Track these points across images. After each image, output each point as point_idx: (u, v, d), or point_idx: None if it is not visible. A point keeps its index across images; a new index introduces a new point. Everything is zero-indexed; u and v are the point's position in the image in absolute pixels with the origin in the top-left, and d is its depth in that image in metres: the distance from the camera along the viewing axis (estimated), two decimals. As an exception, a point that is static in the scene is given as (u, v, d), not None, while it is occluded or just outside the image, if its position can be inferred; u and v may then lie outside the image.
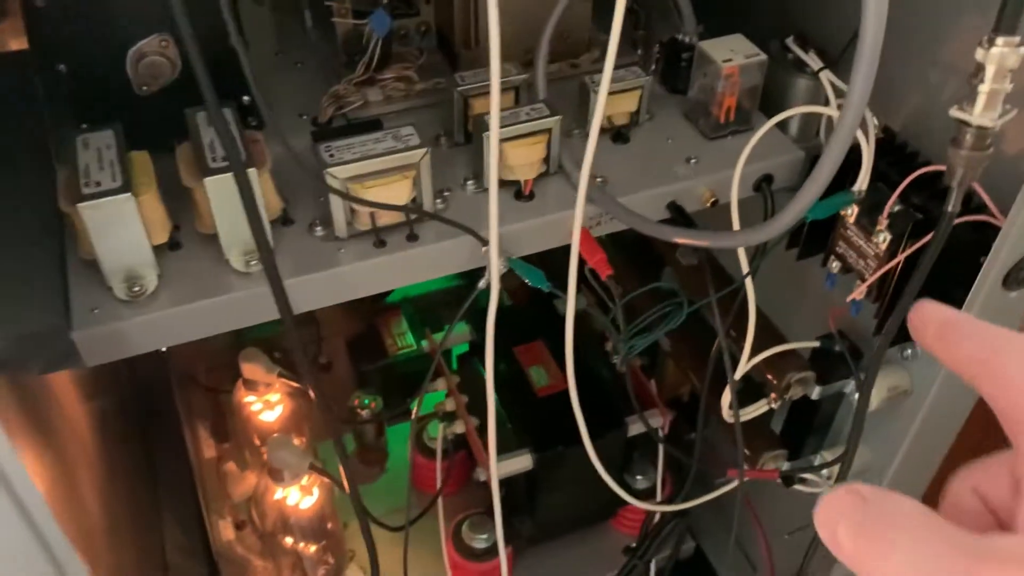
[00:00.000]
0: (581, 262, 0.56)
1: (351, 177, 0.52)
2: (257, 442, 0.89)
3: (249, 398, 0.86)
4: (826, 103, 0.63)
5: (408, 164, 0.54)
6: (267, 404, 0.86)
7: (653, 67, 0.70)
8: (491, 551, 0.90)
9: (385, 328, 1.07)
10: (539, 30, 0.64)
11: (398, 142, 0.54)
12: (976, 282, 0.54)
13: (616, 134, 0.65)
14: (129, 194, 0.49)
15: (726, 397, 0.64)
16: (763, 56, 0.61)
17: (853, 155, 0.59)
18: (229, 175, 0.50)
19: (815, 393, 0.66)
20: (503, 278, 0.60)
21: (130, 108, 0.57)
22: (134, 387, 1.05)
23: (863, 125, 0.58)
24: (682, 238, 0.53)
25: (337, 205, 0.54)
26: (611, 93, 0.62)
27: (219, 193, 0.51)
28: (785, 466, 0.71)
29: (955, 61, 0.59)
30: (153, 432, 1.05)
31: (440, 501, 0.91)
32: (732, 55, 0.61)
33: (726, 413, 0.64)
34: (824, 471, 0.69)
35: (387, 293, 1.08)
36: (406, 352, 1.06)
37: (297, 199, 0.58)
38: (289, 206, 0.57)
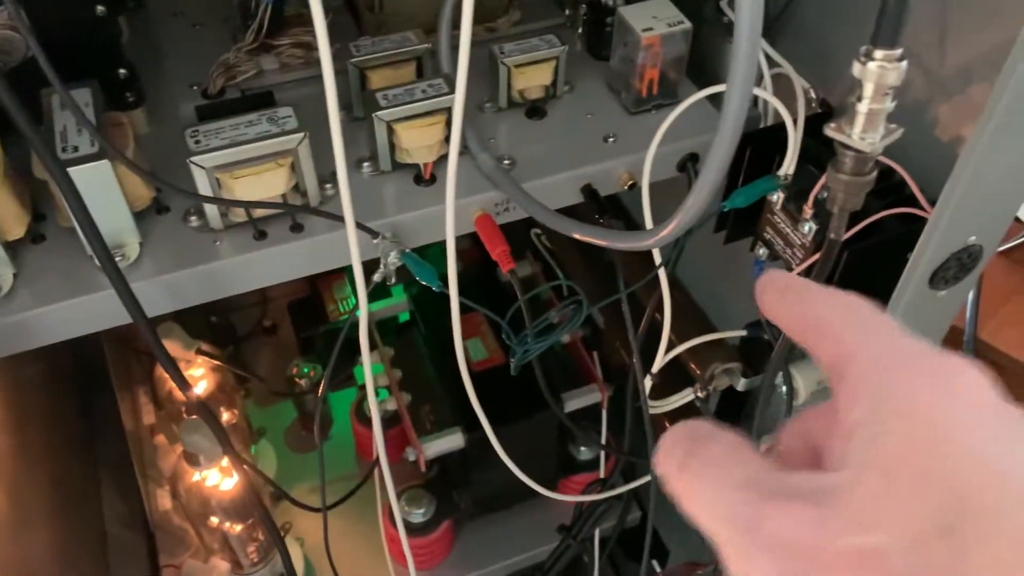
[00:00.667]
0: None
1: (219, 166, 0.48)
2: (186, 416, 0.86)
3: (172, 373, 0.82)
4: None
5: (284, 150, 0.49)
6: (191, 379, 0.83)
7: (580, 30, 0.65)
8: (429, 525, 0.88)
9: (328, 292, 1.03)
10: (451, -9, 0.58)
11: (273, 125, 0.49)
12: (901, 279, 0.50)
13: (531, 108, 0.60)
14: (-36, 190, 0.45)
15: (645, 389, 0.60)
16: (687, 24, 0.56)
17: (779, 133, 0.55)
18: (79, 168, 0.45)
19: (741, 385, 0.62)
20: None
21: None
22: (71, 352, 1.02)
23: (792, 106, 0.53)
24: (579, 234, 0.49)
25: (207, 194, 0.49)
26: (521, 66, 0.57)
27: (69, 187, 0.46)
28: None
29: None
30: (93, 398, 1.02)
31: (378, 473, 0.88)
32: (654, 23, 0.56)
33: (650, 404, 0.61)
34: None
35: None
36: (348, 317, 1.02)
37: (178, 181, 0.54)
38: (165, 192, 0.53)
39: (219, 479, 0.76)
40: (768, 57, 0.57)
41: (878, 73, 0.30)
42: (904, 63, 0.30)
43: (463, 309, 0.91)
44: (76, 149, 0.46)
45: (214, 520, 0.80)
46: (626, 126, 0.59)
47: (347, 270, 1.06)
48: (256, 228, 0.51)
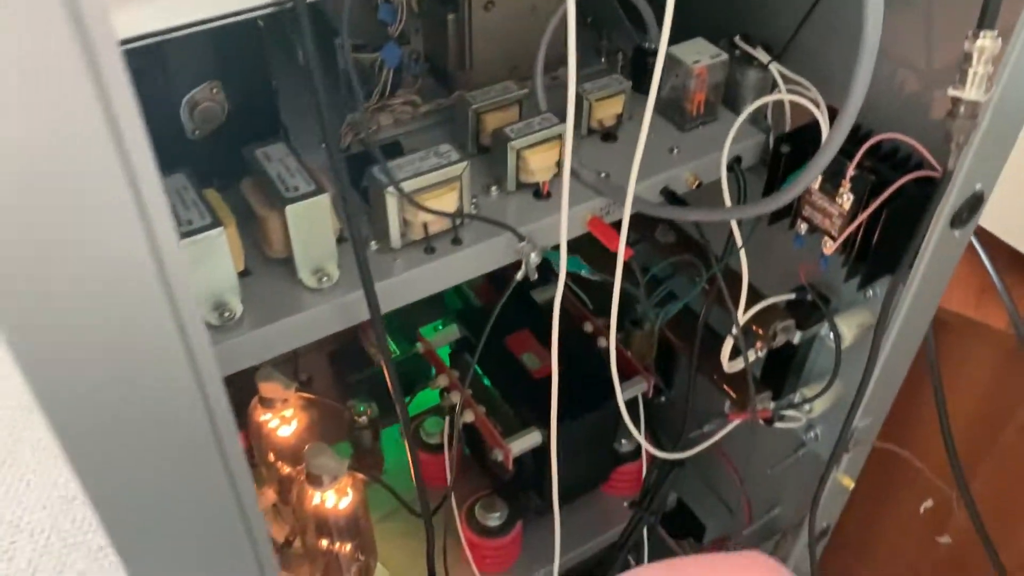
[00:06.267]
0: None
1: (411, 192, 0.59)
2: (272, 458, 0.93)
3: (266, 416, 0.90)
4: (772, 91, 0.74)
5: (453, 176, 0.61)
6: (283, 420, 0.90)
7: (618, 73, 0.79)
8: (505, 527, 0.98)
9: (365, 338, 1.12)
10: (527, 47, 0.72)
11: (441, 158, 0.61)
12: (930, 225, 0.65)
13: (605, 134, 0.73)
14: (222, 228, 0.54)
15: (725, 350, 0.73)
16: (725, 56, 0.72)
17: (807, 133, 0.70)
18: (306, 202, 0.56)
19: (796, 338, 0.77)
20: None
21: (183, 152, 0.61)
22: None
23: (820, 106, 0.69)
24: (697, 217, 0.62)
25: (393, 219, 0.60)
26: (600, 99, 0.71)
27: (298, 219, 0.56)
28: (771, 405, 0.82)
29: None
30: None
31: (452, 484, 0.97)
32: (699, 56, 0.71)
33: (726, 365, 0.74)
34: (806, 406, 0.81)
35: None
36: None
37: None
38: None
39: (336, 499, 0.84)
40: (784, 76, 0.73)
41: (982, 47, 0.45)
42: (1000, 40, 0.45)
43: (513, 327, 1.02)
44: (296, 188, 0.57)
45: (325, 542, 0.87)
46: (683, 140, 0.74)
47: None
48: (428, 244, 0.62)
